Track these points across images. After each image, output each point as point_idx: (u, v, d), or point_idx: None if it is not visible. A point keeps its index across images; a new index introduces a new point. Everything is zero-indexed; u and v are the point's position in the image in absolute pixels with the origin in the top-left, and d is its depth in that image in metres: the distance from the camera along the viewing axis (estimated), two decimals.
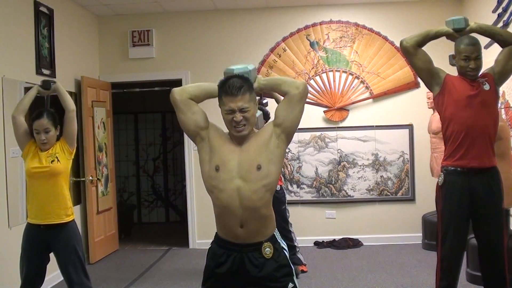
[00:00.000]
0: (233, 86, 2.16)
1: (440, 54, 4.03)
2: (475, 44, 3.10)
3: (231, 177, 2.18)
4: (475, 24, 3.18)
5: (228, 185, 2.18)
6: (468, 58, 3.09)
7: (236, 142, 2.24)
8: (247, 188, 2.17)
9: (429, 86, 3.26)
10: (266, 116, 4.45)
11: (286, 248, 2.32)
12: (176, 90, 2.29)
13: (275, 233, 2.30)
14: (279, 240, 2.30)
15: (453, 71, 3.27)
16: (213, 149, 2.24)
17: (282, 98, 2.31)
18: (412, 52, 3.16)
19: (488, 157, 3.11)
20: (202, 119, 2.28)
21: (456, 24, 3.16)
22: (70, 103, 3.50)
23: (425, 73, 3.20)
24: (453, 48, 3.23)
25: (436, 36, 3.19)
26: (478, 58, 3.10)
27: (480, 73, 3.17)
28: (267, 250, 2.22)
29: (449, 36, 3.21)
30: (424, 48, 3.19)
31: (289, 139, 2.28)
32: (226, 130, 2.31)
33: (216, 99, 2.27)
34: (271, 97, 4.74)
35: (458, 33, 3.18)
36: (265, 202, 2.22)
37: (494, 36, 3.17)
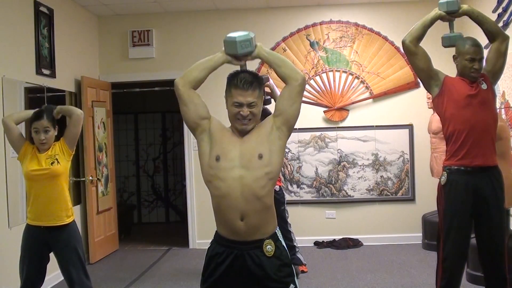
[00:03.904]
0: (244, 80, 2.18)
1: (438, 54, 4.02)
2: (479, 45, 3.13)
3: (232, 166, 2.16)
4: (469, 7, 3.19)
5: (229, 174, 2.15)
6: (473, 59, 3.09)
7: (238, 134, 2.25)
8: (249, 176, 2.14)
9: (428, 87, 3.26)
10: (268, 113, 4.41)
11: (286, 248, 2.30)
12: (179, 82, 2.29)
13: (276, 231, 2.27)
14: (280, 239, 2.27)
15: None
16: (213, 140, 2.23)
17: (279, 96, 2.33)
18: (413, 51, 3.16)
19: (491, 155, 3.12)
20: (204, 110, 2.29)
21: (449, 6, 3.16)
22: (75, 110, 3.50)
23: (425, 73, 3.20)
24: (445, 30, 3.27)
25: (431, 22, 3.19)
26: (481, 60, 3.12)
27: None
28: (269, 248, 2.18)
29: (442, 18, 3.22)
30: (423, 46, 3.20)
31: (289, 131, 2.28)
32: (227, 125, 2.31)
33: (216, 101, 2.28)
34: (273, 97, 4.72)
35: (451, 15, 3.19)
36: (267, 192, 2.18)
37: (483, 24, 3.17)
